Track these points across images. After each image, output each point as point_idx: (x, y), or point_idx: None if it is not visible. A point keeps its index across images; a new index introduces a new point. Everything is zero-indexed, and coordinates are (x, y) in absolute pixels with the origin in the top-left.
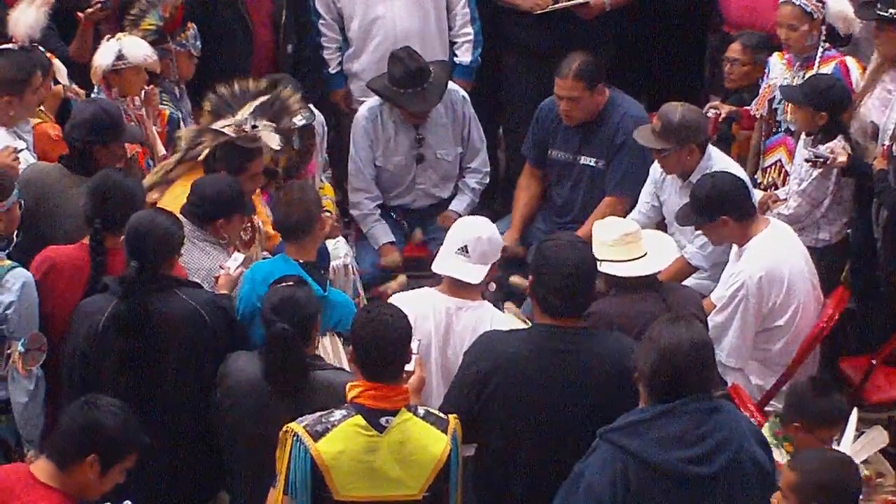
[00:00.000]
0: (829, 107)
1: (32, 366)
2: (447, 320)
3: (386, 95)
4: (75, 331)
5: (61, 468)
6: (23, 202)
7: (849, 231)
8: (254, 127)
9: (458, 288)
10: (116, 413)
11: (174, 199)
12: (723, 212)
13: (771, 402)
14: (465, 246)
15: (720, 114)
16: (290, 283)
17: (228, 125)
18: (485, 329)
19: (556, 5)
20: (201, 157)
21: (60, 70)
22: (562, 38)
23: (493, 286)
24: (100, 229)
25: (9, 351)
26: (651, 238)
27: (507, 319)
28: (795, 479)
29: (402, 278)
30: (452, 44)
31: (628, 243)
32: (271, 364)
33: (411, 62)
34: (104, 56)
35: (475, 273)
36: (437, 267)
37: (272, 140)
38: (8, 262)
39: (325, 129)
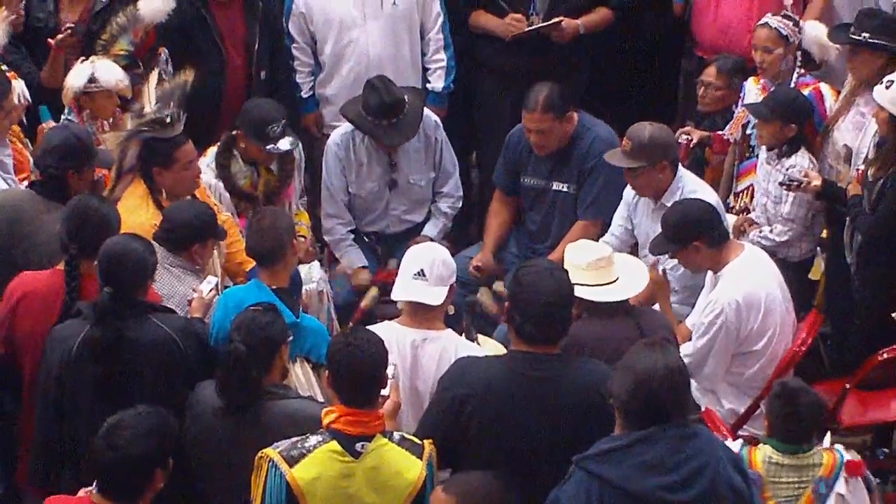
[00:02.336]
0: (797, 118)
1: None
2: (412, 353)
3: (359, 126)
4: (49, 356)
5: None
6: None
7: (815, 251)
8: (159, 115)
9: (420, 317)
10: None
11: (128, 213)
12: (694, 237)
13: (744, 427)
14: (422, 270)
15: (692, 139)
16: (260, 308)
17: (137, 123)
18: (451, 358)
19: (530, 28)
20: (134, 164)
21: (22, 91)
22: (537, 62)
23: (451, 309)
24: (76, 255)
25: None
26: (623, 263)
27: (474, 347)
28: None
29: (373, 292)
30: (425, 70)
31: (601, 268)
32: (223, 381)
33: (386, 94)
34: (76, 78)
35: (435, 295)
36: (396, 294)
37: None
38: None
39: (302, 154)
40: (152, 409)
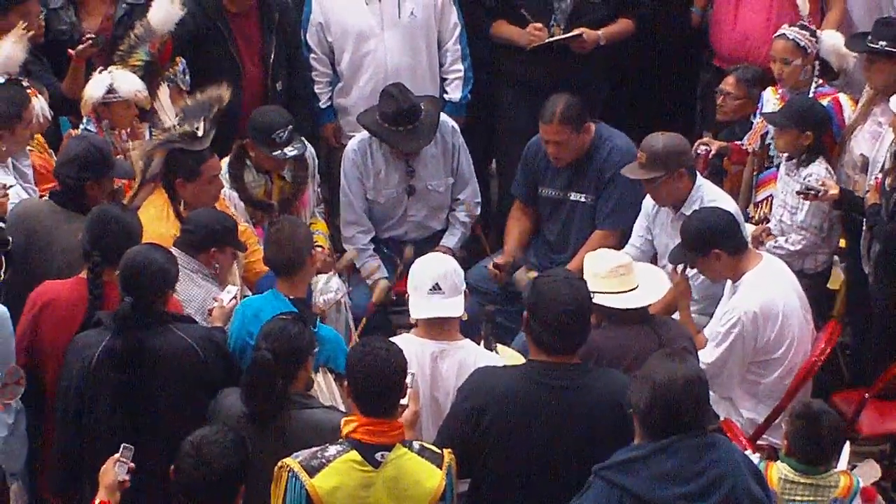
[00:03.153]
0: (813, 126)
1: (10, 400)
2: (432, 364)
3: (376, 133)
4: (69, 365)
5: None
6: (11, 239)
7: (833, 261)
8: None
9: (437, 329)
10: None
11: (149, 222)
12: (714, 245)
13: (763, 436)
14: (436, 284)
15: (710, 150)
16: (288, 316)
17: (165, 133)
18: (470, 368)
19: (551, 38)
20: (157, 174)
21: (42, 109)
22: (557, 73)
23: (465, 316)
24: (99, 263)
25: None
26: (643, 271)
27: (493, 357)
28: None
29: (383, 284)
30: (443, 80)
31: (621, 275)
32: (248, 388)
33: (403, 100)
34: (95, 88)
35: (456, 306)
36: (416, 313)
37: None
38: None
39: (316, 161)
40: (227, 427)
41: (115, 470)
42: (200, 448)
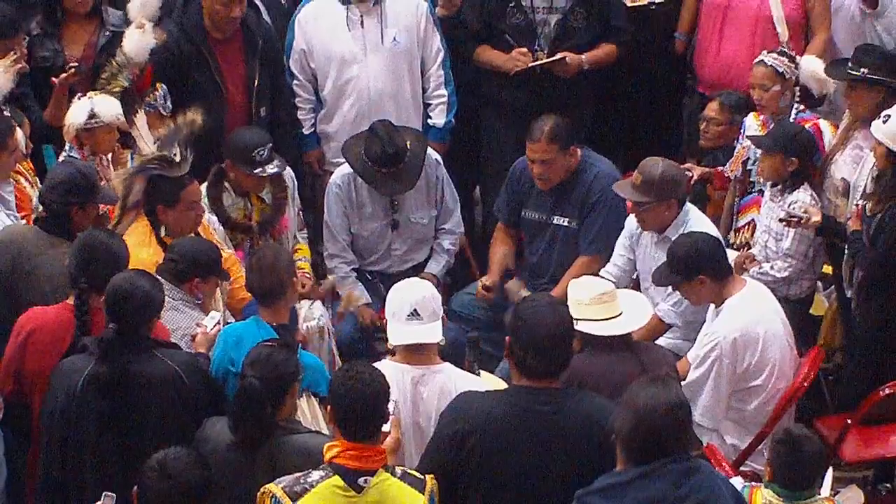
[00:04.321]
0: (798, 152)
1: None
2: (413, 389)
3: (360, 171)
4: (54, 390)
5: None
6: None
7: (816, 287)
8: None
9: (417, 354)
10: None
11: (131, 248)
12: (700, 271)
13: (746, 462)
14: (415, 310)
15: (692, 176)
16: (273, 343)
17: (145, 161)
18: (452, 392)
19: (535, 63)
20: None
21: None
22: (541, 97)
23: (443, 340)
24: (85, 289)
25: None
26: (626, 297)
27: (473, 380)
28: None
29: (351, 297)
30: (427, 105)
31: (604, 302)
32: (236, 416)
33: (389, 143)
34: (77, 115)
35: (434, 332)
36: (394, 340)
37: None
38: None
39: (295, 182)
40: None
41: None
42: (164, 463)
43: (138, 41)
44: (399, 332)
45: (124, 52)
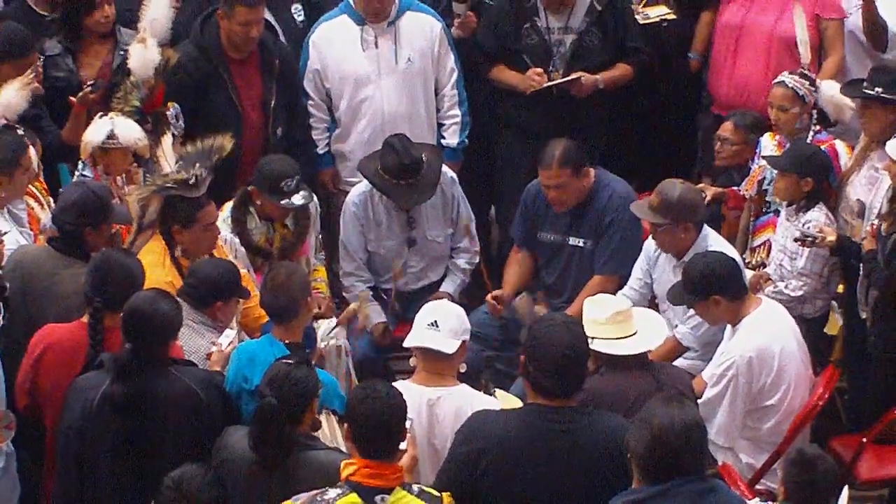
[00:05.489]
0: (813, 172)
1: (1, 443)
2: (428, 411)
3: (377, 185)
4: (70, 407)
5: None
6: (8, 285)
7: (831, 306)
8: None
9: (434, 374)
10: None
11: (146, 268)
12: (715, 291)
13: (761, 481)
14: (435, 321)
15: (706, 196)
16: (291, 360)
17: (162, 181)
18: (467, 413)
19: (549, 83)
20: (154, 221)
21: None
22: (556, 118)
23: (463, 367)
24: (100, 308)
25: None
26: (642, 316)
27: (489, 401)
28: None
29: (366, 309)
30: (440, 125)
31: (620, 321)
32: (255, 436)
33: (405, 155)
34: (95, 133)
35: (448, 344)
36: (409, 341)
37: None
38: None
39: (318, 209)
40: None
41: None
42: (181, 482)
43: (141, 57)
44: (414, 336)
45: (128, 68)
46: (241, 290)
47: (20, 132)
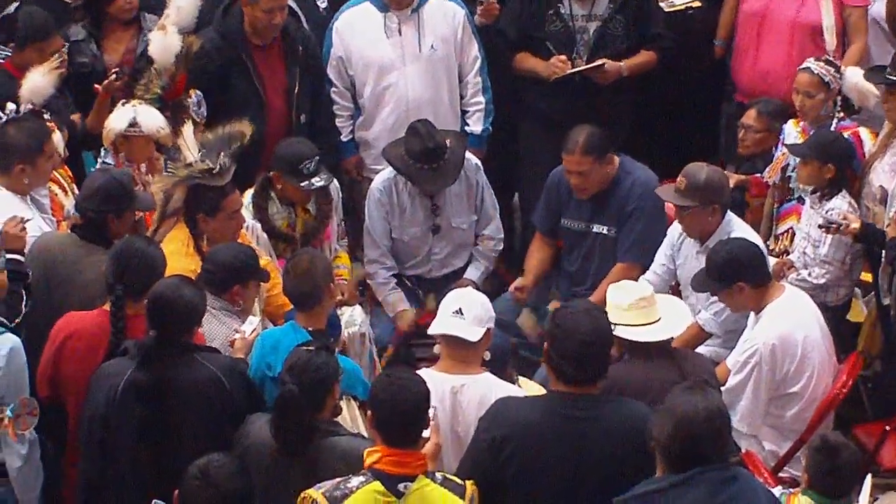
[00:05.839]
0: (836, 159)
1: (24, 430)
2: (452, 398)
3: (400, 170)
4: (94, 394)
5: None
6: (30, 272)
7: (854, 294)
8: (209, 163)
9: (458, 361)
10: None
11: (170, 256)
12: (739, 278)
13: (785, 468)
14: (460, 309)
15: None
16: (313, 347)
17: (185, 169)
18: (491, 400)
19: (573, 69)
20: (178, 209)
21: (59, 143)
22: (580, 106)
23: (487, 355)
24: (121, 296)
25: (0, 416)
26: (665, 303)
27: (513, 389)
28: None
29: (410, 314)
30: (464, 112)
31: (643, 308)
32: (277, 424)
33: (428, 139)
34: (118, 121)
35: (473, 332)
36: (433, 329)
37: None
38: None
39: (340, 194)
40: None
41: None
42: (207, 471)
43: (161, 44)
44: (438, 323)
45: (149, 55)
46: (258, 272)
47: (46, 117)
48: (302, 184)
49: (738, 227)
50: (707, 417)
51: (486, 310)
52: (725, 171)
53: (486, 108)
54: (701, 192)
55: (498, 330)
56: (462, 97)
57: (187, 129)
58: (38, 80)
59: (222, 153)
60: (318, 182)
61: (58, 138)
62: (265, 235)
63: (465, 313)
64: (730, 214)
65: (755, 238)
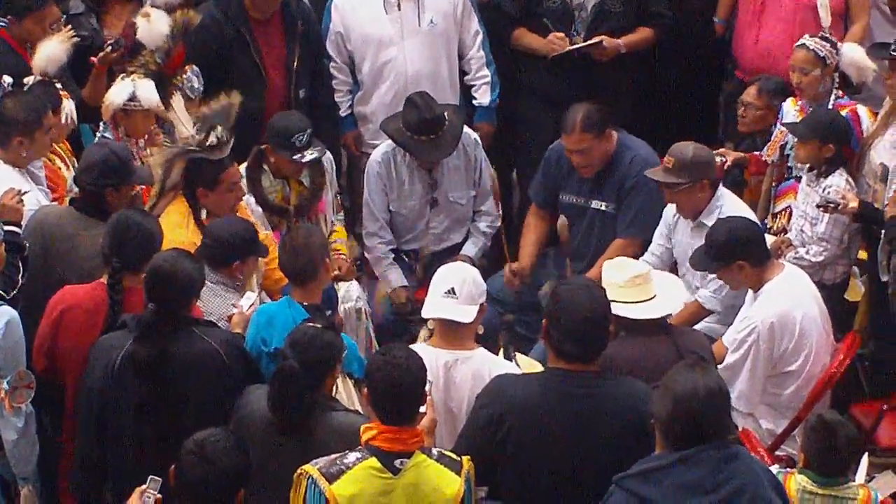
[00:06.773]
0: (835, 138)
1: (21, 403)
2: (445, 374)
3: (399, 141)
4: (92, 367)
5: None
6: (28, 244)
7: (852, 272)
8: (207, 137)
9: (451, 338)
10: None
11: (170, 230)
12: (739, 256)
13: (781, 447)
14: (452, 288)
15: (726, 161)
16: (317, 324)
17: (183, 142)
18: (485, 377)
19: (571, 47)
20: (177, 183)
21: (71, 111)
22: (578, 84)
23: (481, 329)
24: (118, 269)
25: None
26: (661, 280)
27: (507, 365)
28: None
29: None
30: (470, 87)
31: (638, 285)
32: (274, 398)
33: (426, 110)
34: (117, 94)
35: (466, 313)
36: (426, 312)
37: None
38: None
39: (333, 165)
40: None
41: (139, 502)
42: (203, 446)
43: (147, 30)
44: (431, 306)
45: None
46: (258, 247)
47: (58, 86)
48: (294, 157)
49: (728, 201)
50: (707, 395)
51: (478, 285)
52: (724, 149)
53: (492, 80)
54: (689, 168)
55: (489, 305)
56: (466, 72)
57: (177, 102)
58: (55, 49)
59: (220, 126)
60: (309, 155)
61: (70, 107)
62: (259, 209)
63: (457, 292)
64: (722, 189)
65: (747, 212)
